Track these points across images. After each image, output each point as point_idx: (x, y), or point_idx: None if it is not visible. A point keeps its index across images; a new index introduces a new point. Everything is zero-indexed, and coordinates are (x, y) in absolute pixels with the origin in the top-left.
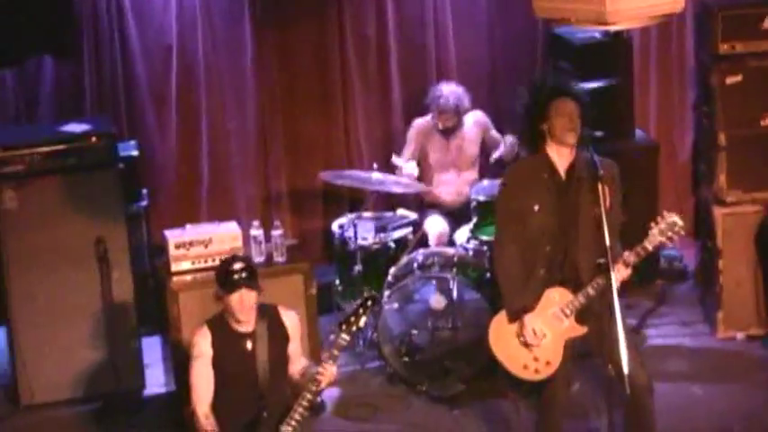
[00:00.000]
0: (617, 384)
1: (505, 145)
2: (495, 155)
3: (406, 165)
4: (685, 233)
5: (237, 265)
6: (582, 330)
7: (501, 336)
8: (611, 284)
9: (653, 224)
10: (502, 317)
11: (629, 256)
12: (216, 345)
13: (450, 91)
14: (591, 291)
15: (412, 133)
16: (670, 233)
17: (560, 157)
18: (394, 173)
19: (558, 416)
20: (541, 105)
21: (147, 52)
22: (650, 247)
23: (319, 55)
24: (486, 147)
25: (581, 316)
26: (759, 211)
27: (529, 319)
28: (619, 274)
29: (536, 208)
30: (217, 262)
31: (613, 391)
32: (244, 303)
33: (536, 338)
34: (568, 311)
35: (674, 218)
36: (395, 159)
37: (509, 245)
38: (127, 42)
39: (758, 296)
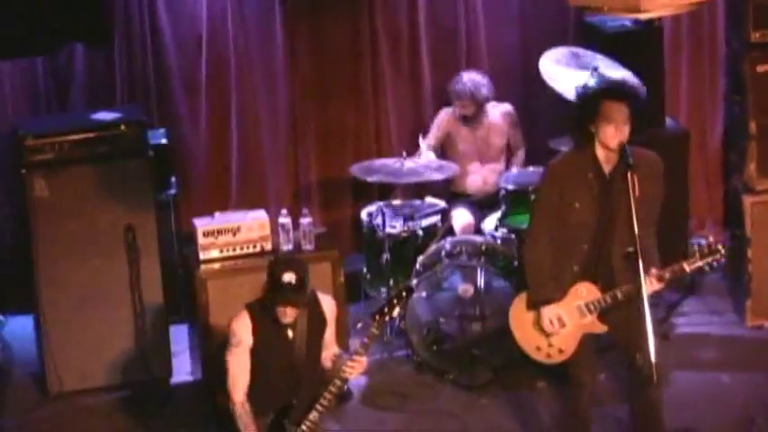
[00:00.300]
0: (640, 375)
1: (518, 159)
2: (512, 168)
3: (427, 152)
4: (717, 225)
5: (288, 277)
6: (602, 328)
7: (520, 314)
8: (639, 279)
9: (697, 246)
10: (523, 298)
11: (666, 272)
12: (257, 333)
13: (469, 78)
14: (619, 295)
15: (438, 120)
16: (711, 259)
17: (607, 156)
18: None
19: (587, 404)
20: (591, 106)
21: (177, 41)
22: (688, 270)
23: (350, 44)
24: (510, 142)
25: (604, 314)
26: None
27: (547, 310)
28: (651, 287)
29: (577, 206)
30: (245, 250)
31: (635, 382)
32: (287, 314)
33: (552, 328)
34: (593, 308)
35: (719, 246)
36: (420, 141)
37: (543, 237)
38: (158, 31)
39: None
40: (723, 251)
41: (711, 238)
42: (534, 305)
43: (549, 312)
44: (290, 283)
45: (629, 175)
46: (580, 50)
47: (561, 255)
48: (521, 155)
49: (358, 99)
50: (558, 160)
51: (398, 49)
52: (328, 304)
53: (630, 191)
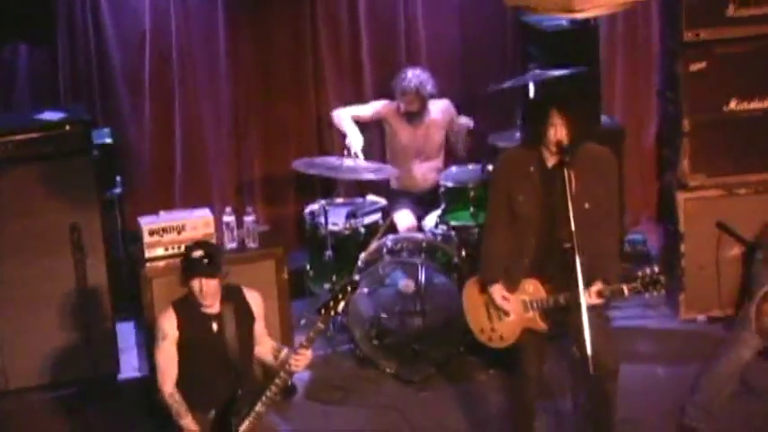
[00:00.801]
0: (583, 366)
1: (460, 126)
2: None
3: (346, 124)
4: (651, 221)
5: (197, 253)
6: (542, 327)
7: (472, 296)
8: (576, 277)
9: (640, 273)
10: (476, 280)
11: (606, 290)
12: (182, 326)
13: (413, 74)
14: (561, 299)
15: (377, 104)
16: (651, 288)
17: (550, 152)
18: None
19: (531, 395)
20: (541, 109)
21: (121, 39)
22: (626, 294)
23: (292, 41)
24: (450, 134)
25: (546, 313)
26: (721, 195)
27: (496, 288)
28: (590, 300)
29: (521, 198)
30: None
31: (579, 373)
32: (203, 290)
33: (506, 304)
34: (536, 306)
35: (661, 278)
36: (343, 111)
37: (498, 229)
38: (101, 29)
39: (719, 279)
40: (663, 283)
41: (656, 268)
42: (485, 287)
43: (497, 290)
44: (200, 257)
45: (565, 171)
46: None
47: (513, 248)
48: (463, 120)
49: (299, 96)
50: (504, 155)
51: (339, 45)
52: (254, 299)
53: (567, 186)
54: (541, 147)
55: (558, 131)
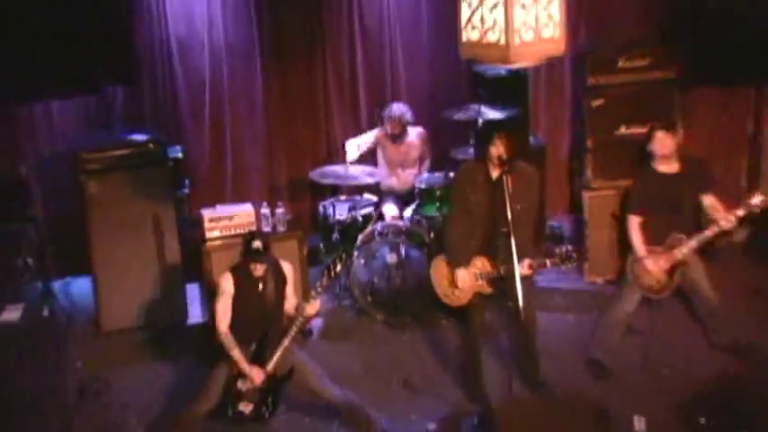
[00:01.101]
0: (516, 315)
1: (425, 166)
2: (423, 172)
3: (350, 149)
4: (566, 213)
5: (256, 244)
6: (488, 290)
7: (438, 270)
8: (512, 252)
9: (558, 251)
10: (441, 259)
11: (534, 264)
12: (237, 285)
13: (397, 107)
14: (502, 271)
15: (372, 134)
16: (567, 262)
17: (494, 166)
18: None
19: (477, 334)
20: (487, 135)
21: (188, 84)
22: (549, 266)
23: (308, 85)
24: (421, 155)
25: (490, 281)
26: (614, 194)
27: (461, 271)
28: (523, 272)
29: (472, 199)
30: (237, 231)
31: (513, 320)
32: (257, 269)
33: (463, 283)
34: (483, 276)
35: (575, 254)
36: (347, 144)
37: (457, 221)
38: (174, 77)
39: (612, 253)
40: (576, 258)
41: (570, 247)
42: (453, 265)
43: (461, 273)
44: (257, 248)
45: (504, 177)
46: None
47: (467, 234)
48: (427, 163)
49: (314, 124)
50: (461, 167)
51: (342, 87)
52: (287, 268)
53: (505, 191)
54: (487, 161)
55: (499, 150)
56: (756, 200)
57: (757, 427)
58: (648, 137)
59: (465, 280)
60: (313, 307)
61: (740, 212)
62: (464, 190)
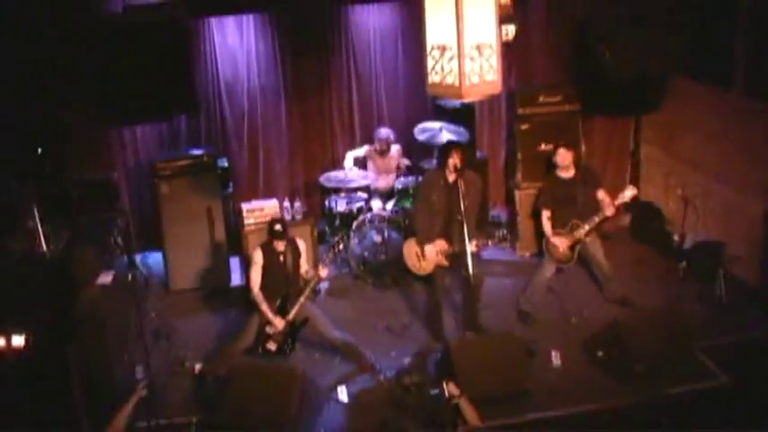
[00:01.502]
0: (466, 280)
1: (404, 163)
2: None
3: (349, 160)
4: (503, 206)
5: (278, 227)
6: (446, 263)
7: (408, 248)
8: (464, 236)
9: (497, 233)
10: (412, 240)
11: (479, 243)
12: (265, 257)
13: (384, 131)
14: (456, 249)
15: (364, 149)
16: (503, 242)
17: (450, 173)
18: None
19: (438, 293)
20: (446, 150)
21: (232, 113)
22: (490, 245)
23: (319, 113)
24: (399, 164)
25: (448, 256)
26: (536, 193)
27: (428, 246)
28: (472, 248)
29: (434, 198)
30: (266, 219)
31: (464, 284)
32: (279, 246)
33: (432, 255)
34: (442, 252)
35: (509, 236)
36: (348, 154)
37: (422, 212)
38: (222, 109)
39: (536, 235)
40: (509, 239)
41: (505, 231)
42: (420, 244)
43: (428, 248)
44: (279, 230)
45: (459, 181)
46: (427, 124)
47: (431, 221)
48: (404, 169)
49: (322, 141)
50: (427, 174)
51: (342, 115)
52: (301, 244)
53: (459, 192)
54: (446, 169)
55: (455, 161)
56: (628, 192)
57: (636, 355)
58: (553, 152)
59: (432, 252)
60: (323, 271)
61: (617, 202)
62: (428, 191)
